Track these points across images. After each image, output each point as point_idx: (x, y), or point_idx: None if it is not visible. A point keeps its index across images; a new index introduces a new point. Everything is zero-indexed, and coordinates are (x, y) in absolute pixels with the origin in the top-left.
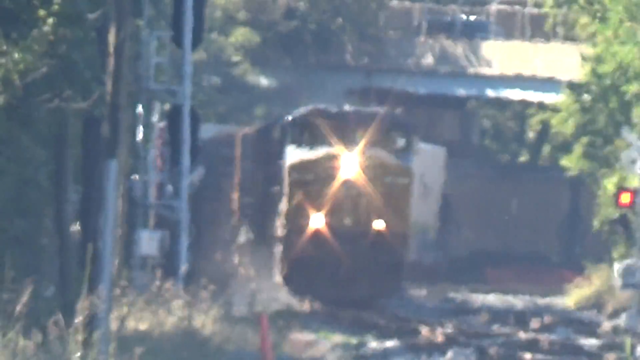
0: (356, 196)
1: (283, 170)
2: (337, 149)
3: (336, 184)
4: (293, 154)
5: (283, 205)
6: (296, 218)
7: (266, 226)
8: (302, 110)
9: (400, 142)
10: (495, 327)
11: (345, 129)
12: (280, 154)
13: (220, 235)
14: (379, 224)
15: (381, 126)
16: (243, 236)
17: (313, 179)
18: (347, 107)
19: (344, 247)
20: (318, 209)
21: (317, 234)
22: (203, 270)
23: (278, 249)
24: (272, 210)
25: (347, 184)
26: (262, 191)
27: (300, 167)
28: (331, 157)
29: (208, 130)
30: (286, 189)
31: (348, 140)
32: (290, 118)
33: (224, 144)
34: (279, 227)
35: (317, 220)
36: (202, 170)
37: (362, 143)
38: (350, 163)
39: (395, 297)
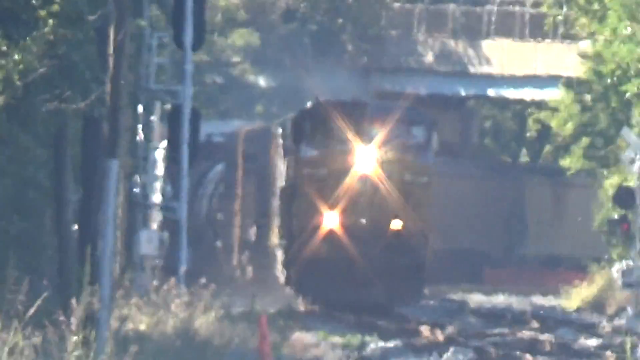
0: (373, 194)
1: (296, 165)
2: (353, 143)
3: (351, 180)
4: (306, 149)
5: (295, 203)
6: (308, 217)
7: (280, 225)
8: (316, 102)
9: (420, 137)
10: (495, 327)
11: (361, 123)
12: (293, 149)
13: (239, 234)
14: (397, 224)
15: (400, 120)
16: (257, 235)
17: (327, 175)
18: (363, 100)
19: (359, 248)
20: (332, 207)
21: (330, 234)
22: (209, 271)
23: (289, 249)
24: (286, 208)
25: (363, 180)
26: (277, 188)
27: (313, 163)
28: (346, 152)
29: (229, 126)
30: (298, 185)
31: (365, 134)
32: (303, 110)
33: (246, 140)
34: (291, 227)
35: (330, 220)
36: (221, 167)
37: (379, 138)
38: (366, 159)
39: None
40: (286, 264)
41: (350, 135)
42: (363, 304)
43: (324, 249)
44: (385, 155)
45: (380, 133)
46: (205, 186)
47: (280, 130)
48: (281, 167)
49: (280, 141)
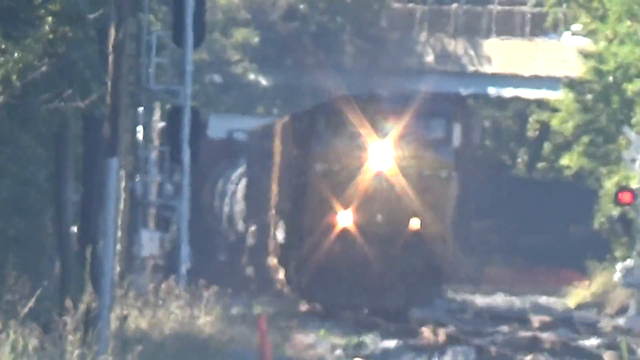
0: (389, 191)
1: (308, 161)
2: (368, 138)
3: (367, 177)
4: (319, 144)
5: (308, 201)
6: (321, 215)
7: (293, 224)
8: (330, 96)
9: (439, 129)
10: (496, 327)
11: (377, 116)
12: (307, 144)
13: (256, 233)
14: (414, 223)
15: (418, 113)
16: (279, 234)
17: (341, 172)
18: (379, 92)
19: (374, 248)
20: (346, 206)
21: (344, 233)
22: (220, 271)
23: (299, 250)
24: (298, 207)
25: (379, 177)
26: (291, 186)
27: (327, 159)
28: (361, 148)
29: (250, 122)
30: (311, 183)
31: (380, 128)
32: (317, 104)
33: (266, 136)
34: (302, 225)
35: (344, 218)
36: (243, 165)
37: (395, 132)
38: (382, 154)
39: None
40: (296, 265)
41: (365, 129)
42: (378, 307)
43: (337, 249)
44: (402, 150)
45: (397, 127)
46: (227, 185)
47: (292, 125)
48: (293, 163)
49: (293, 136)
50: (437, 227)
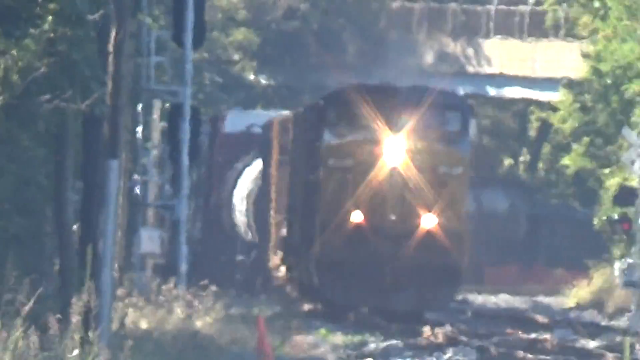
0: (402, 188)
1: (319, 156)
2: (381, 131)
3: (379, 173)
4: (329, 138)
5: (317, 198)
6: (332, 213)
7: (302, 222)
8: (342, 86)
9: (455, 124)
10: (496, 327)
11: (390, 109)
12: (316, 138)
13: (275, 232)
14: (429, 221)
15: (433, 105)
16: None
17: (352, 167)
18: (392, 84)
19: (388, 247)
20: (358, 202)
21: (356, 231)
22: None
23: (311, 248)
24: (307, 204)
25: (392, 173)
26: (302, 181)
27: (337, 153)
28: (374, 141)
29: (264, 117)
30: (321, 178)
31: (394, 121)
32: (328, 95)
33: (280, 130)
34: (313, 224)
35: (356, 216)
36: (260, 163)
37: (410, 125)
38: (396, 148)
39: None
40: (305, 264)
41: (378, 122)
42: (391, 309)
43: (348, 248)
44: (417, 145)
45: (412, 120)
46: (245, 185)
47: (304, 118)
48: (303, 158)
49: (304, 129)
50: (453, 226)
